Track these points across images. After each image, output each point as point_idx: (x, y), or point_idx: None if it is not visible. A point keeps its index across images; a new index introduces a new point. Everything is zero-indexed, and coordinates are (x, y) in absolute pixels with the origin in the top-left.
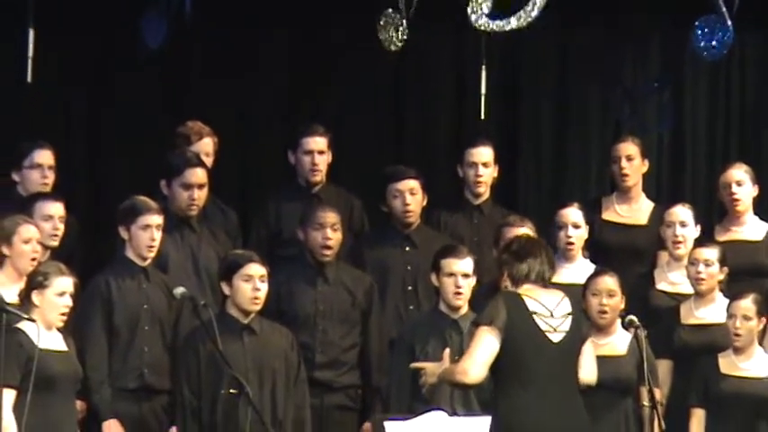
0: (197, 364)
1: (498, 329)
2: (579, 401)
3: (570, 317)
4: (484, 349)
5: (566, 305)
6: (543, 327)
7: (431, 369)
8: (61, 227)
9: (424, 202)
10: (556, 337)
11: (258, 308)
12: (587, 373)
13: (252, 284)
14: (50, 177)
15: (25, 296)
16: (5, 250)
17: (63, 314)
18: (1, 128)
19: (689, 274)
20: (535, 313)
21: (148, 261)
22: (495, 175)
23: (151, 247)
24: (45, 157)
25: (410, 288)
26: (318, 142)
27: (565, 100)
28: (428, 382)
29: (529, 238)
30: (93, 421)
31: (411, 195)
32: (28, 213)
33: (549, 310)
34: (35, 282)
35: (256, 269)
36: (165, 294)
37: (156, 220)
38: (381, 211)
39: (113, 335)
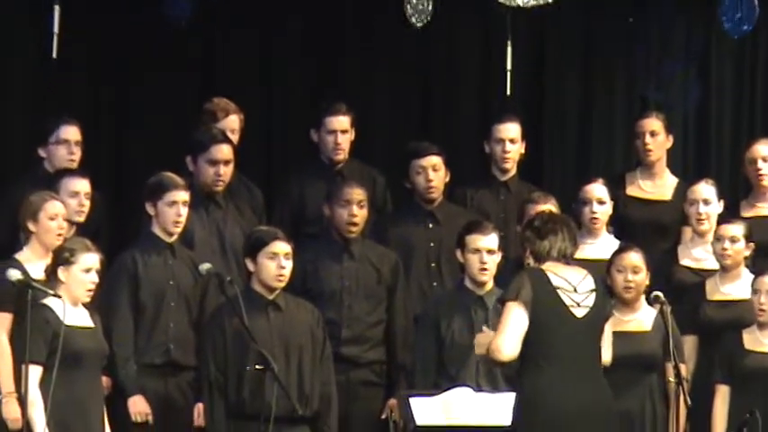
0: (223, 340)
1: (525, 303)
2: (602, 377)
3: (594, 293)
4: (514, 324)
5: (589, 282)
6: (567, 302)
7: (479, 340)
8: (87, 203)
9: (447, 179)
10: (580, 312)
11: (283, 285)
12: (604, 353)
13: (277, 262)
14: (77, 153)
15: (51, 272)
16: (32, 226)
17: (89, 290)
18: (27, 104)
19: (714, 250)
20: (559, 288)
21: (175, 237)
22: (522, 151)
23: (177, 222)
24: (71, 132)
25: (433, 265)
26: (342, 122)
27: (590, 76)
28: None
29: (551, 215)
30: (119, 397)
31: (434, 172)
32: (54, 190)
33: (573, 286)
34: (61, 258)
35: (281, 246)
36: (190, 270)
37: (183, 196)
38: (405, 189)
39: (139, 311)
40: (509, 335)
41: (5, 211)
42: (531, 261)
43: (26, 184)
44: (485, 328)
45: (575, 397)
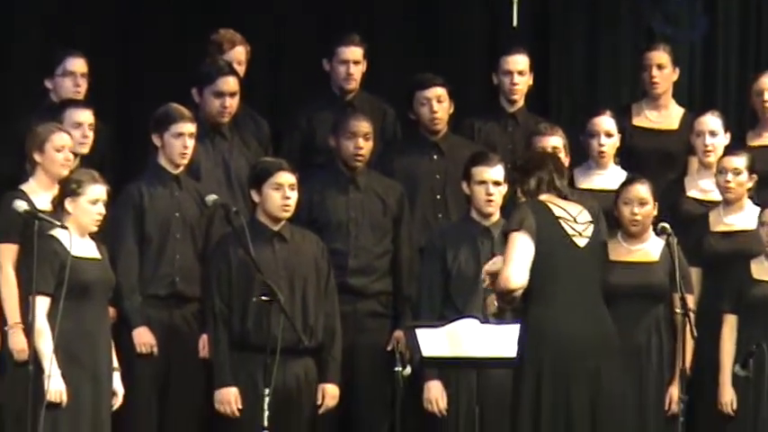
0: (227, 271)
1: (529, 231)
2: (604, 308)
3: (592, 225)
4: (520, 252)
5: (586, 215)
6: (570, 231)
7: (488, 268)
8: (90, 134)
9: (452, 110)
10: (581, 242)
11: (288, 215)
12: None
13: (282, 192)
14: (83, 85)
15: (58, 203)
16: (38, 157)
17: (96, 221)
18: (33, 37)
19: (717, 182)
20: (560, 218)
21: (181, 169)
22: (530, 83)
23: (184, 154)
24: (78, 64)
25: (438, 197)
26: (354, 52)
27: (596, 7)
28: (491, 311)
29: (533, 152)
30: (124, 328)
31: (438, 103)
32: (58, 120)
33: (572, 216)
34: (68, 189)
35: (286, 177)
36: (196, 202)
37: (190, 127)
38: (410, 121)
39: (145, 243)
40: (517, 263)
41: (11, 142)
42: (523, 201)
43: (32, 115)
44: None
45: (579, 326)
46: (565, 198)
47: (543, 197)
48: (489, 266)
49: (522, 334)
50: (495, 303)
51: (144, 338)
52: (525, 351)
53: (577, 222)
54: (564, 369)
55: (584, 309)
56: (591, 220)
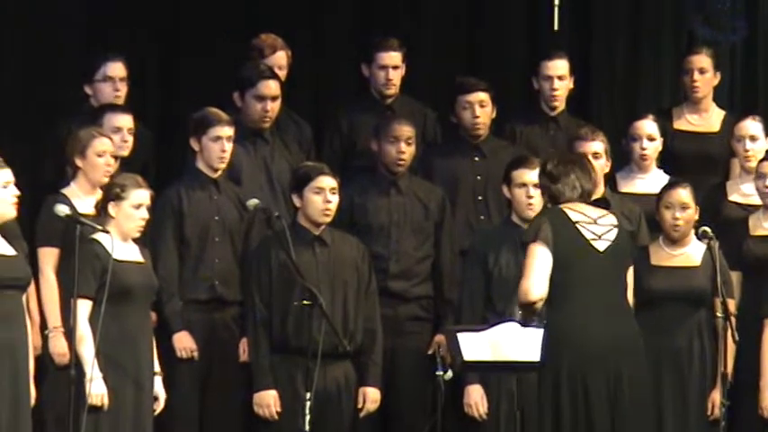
0: (268, 275)
1: (546, 242)
2: (627, 311)
3: (616, 229)
4: (538, 264)
5: (611, 218)
6: (588, 235)
7: None
8: (130, 138)
9: (494, 115)
10: (601, 245)
11: (329, 220)
12: None
13: (323, 197)
14: (122, 90)
15: (102, 208)
16: (79, 162)
17: (140, 226)
18: (72, 41)
19: (756, 186)
20: (578, 222)
21: (219, 173)
22: (571, 87)
23: (222, 158)
24: (117, 69)
25: (480, 198)
26: (393, 57)
27: (638, 9)
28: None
29: (562, 156)
30: (164, 333)
31: (481, 107)
32: (98, 125)
33: (593, 219)
34: (112, 193)
35: (327, 181)
36: (235, 206)
37: (227, 131)
38: (452, 124)
39: (184, 246)
40: (534, 275)
41: (52, 148)
42: (550, 205)
43: (72, 121)
44: None
45: (596, 329)
46: (589, 203)
47: (566, 204)
48: None
49: (543, 339)
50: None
51: (184, 343)
52: (545, 356)
53: (597, 224)
54: (581, 372)
55: (603, 312)
56: (615, 223)
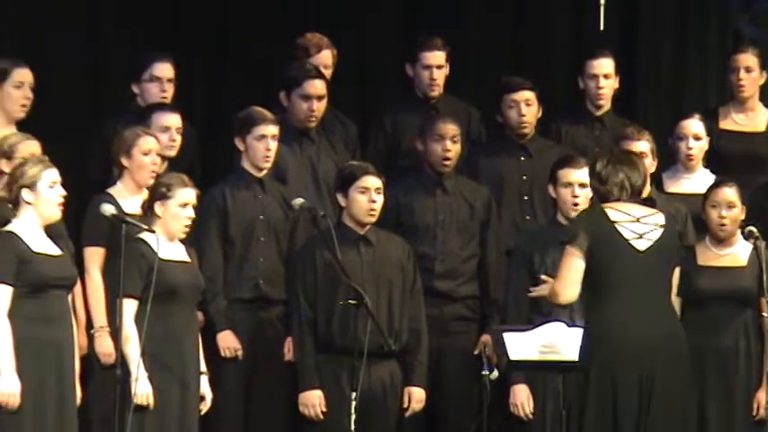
0: (313, 274)
1: (580, 246)
2: (668, 311)
3: (661, 229)
4: (570, 269)
5: (658, 218)
6: (627, 235)
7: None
8: (178, 138)
9: (540, 114)
10: (641, 245)
11: (374, 219)
12: None
13: (368, 196)
14: (169, 91)
15: (148, 207)
16: (125, 162)
17: (186, 226)
18: (120, 41)
19: None
20: (617, 222)
21: (264, 172)
22: (617, 86)
23: (267, 157)
24: (165, 70)
25: (526, 198)
26: (437, 56)
27: (684, 9)
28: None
29: (612, 155)
30: (209, 332)
31: (527, 106)
32: (145, 125)
33: (635, 217)
34: (158, 193)
35: (372, 181)
36: (280, 205)
37: (272, 129)
38: (497, 123)
39: (229, 246)
40: (565, 280)
41: (99, 147)
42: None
43: (119, 120)
44: (544, 278)
45: (635, 329)
46: (638, 201)
47: (611, 203)
48: (537, 291)
49: (583, 339)
50: None
51: (228, 342)
52: (581, 354)
53: (640, 223)
54: (611, 371)
55: (641, 311)
56: (662, 223)
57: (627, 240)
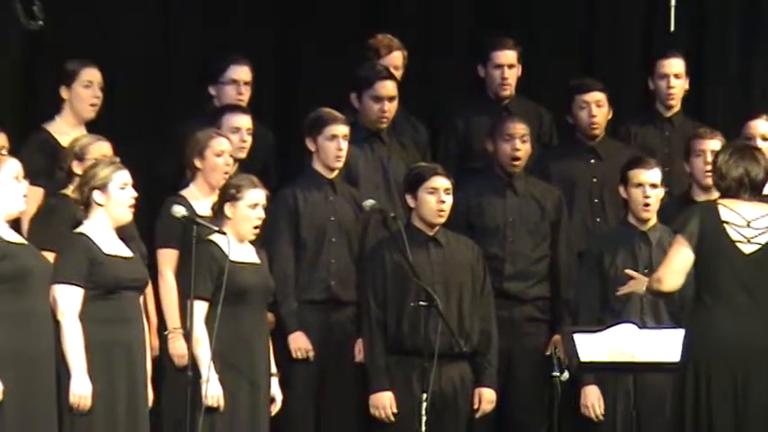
0: (383, 275)
1: (690, 236)
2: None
3: None
4: (677, 257)
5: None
6: (735, 237)
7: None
8: (249, 139)
9: (610, 115)
10: (748, 249)
11: (443, 220)
12: None
13: (437, 197)
14: (246, 94)
15: (218, 209)
16: (198, 163)
17: (256, 227)
18: (187, 41)
19: None
20: (727, 222)
21: (335, 173)
22: (687, 87)
23: (338, 157)
24: (242, 72)
25: (596, 200)
26: (508, 56)
27: (753, 10)
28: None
29: (733, 150)
30: (280, 333)
31: (597, 107)
32: (216, 126)
33: (747, 220)
34: (228, 194)
35: (441, 182)
36: (351, 206)
37: (343, 130)
38: (568, 124)
39: (300, 247)
40: (671, 268)
41: (174, 148)
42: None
43: (195, 122)
44: (629, 271)
45: (741, 335)
46: (758, 198)
47: (726, 198)
48: (628, 288)
49: (685, 340)
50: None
51: (299, 343)
52: (682, 354)
53: (750, 227)
54: (707, 372)
55: (749, 317)
56: None
57: (733, 242)
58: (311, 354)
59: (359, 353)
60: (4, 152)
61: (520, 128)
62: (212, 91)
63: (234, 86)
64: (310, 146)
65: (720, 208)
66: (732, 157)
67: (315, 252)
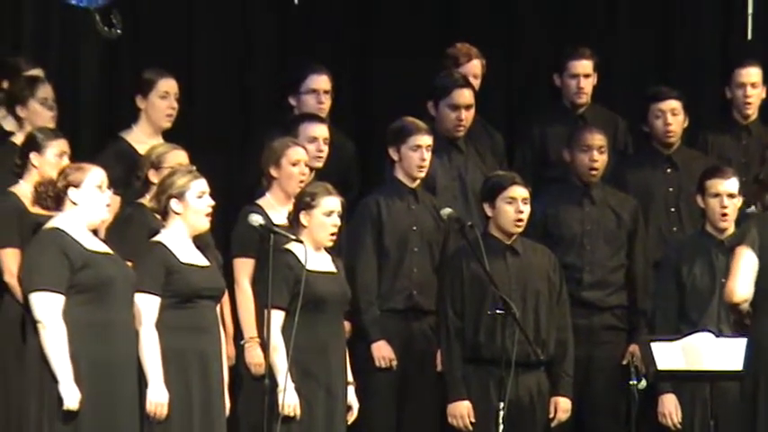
0: (460, 284)
1: (752, 245)
2: None
3: None
4: (743, 266)
5: None
6: None
7: None
8: (325, 149)
9: (686, 124)
10: None
11: (520, 229)
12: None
13: (514, 206)
14: (326, 103)
15: (294, 218)
16: (274, 172)
17: (332, 234)
18: (264, 51)
19: None
20: None
21: (418, 182)
22: (764, 95)
23: (421, 167)
24: (322, 82)
25: (673, 210)
26: (585, 65)
27: None
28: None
29: None
30: (362, 342)
31: (673, 116)
32: (293, 135)
33: None
34: (303, 202)
35: (519, 191)
36: (433, 216)
37: (426, 140)
38: (643, 133)
39: (383, 256)
40: (740, 277)
41: (254, 158)
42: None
43: (274, 132)
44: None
45: None
46: None
47: None
48: None
49: (746, 349)
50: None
51: (383, 352)
52: (746, 364)
53: None
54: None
55: None
56: None
57: None
58: (394, 362)
59: (441, 363)
60: (65, 159)
61: (598, 138)
62: (292, 101)
63: (314, 96)
64: (393, 155)
65: None
66: None
67: (397, 261)
